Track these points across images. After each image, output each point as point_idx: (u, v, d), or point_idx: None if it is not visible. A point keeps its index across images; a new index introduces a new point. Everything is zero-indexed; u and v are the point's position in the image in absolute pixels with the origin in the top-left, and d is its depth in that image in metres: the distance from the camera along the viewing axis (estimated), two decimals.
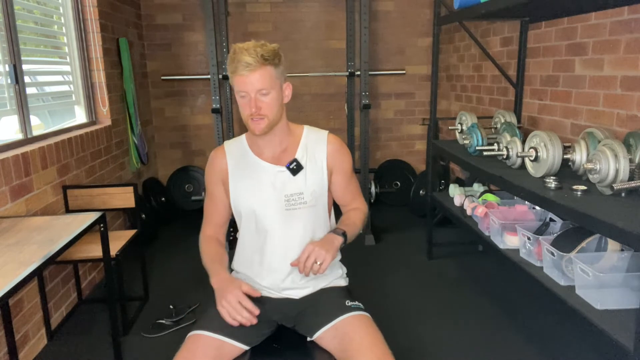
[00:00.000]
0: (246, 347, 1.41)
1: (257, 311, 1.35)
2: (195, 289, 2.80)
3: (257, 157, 1.51)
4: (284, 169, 1.47)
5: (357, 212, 1.58)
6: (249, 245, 1.52)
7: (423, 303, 2.66)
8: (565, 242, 1.77)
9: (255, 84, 1.35)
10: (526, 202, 2.38)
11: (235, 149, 1.55)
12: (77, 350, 2.27)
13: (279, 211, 1.46)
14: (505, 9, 2.22)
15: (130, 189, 2.57)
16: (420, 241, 3.40)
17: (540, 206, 1.90)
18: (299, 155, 1.49)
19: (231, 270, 1.63)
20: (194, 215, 4.20)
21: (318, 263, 1.36)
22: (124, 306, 2.44)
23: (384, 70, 4.46)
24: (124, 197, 2.58)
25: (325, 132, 1.56)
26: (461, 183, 3.39)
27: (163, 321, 2.47)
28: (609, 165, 1.65)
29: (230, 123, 4.00)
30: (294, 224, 1.48)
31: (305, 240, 1.48)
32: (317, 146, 1.52)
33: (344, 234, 1.45)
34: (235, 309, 1.34)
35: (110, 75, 3.28)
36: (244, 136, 1.58)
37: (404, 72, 4.47)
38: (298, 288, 1.50)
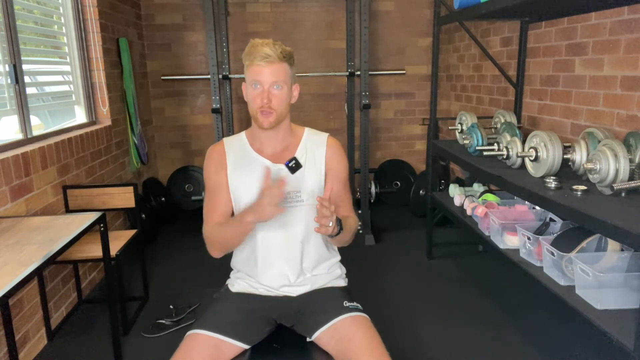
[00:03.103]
0: (245, 346, 1.41)
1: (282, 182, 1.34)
2: (195, 289, 2.80)
3: (256, 154, 1.51)
4: (283, 166, 1.47)
5: (352, 221, 1.53)
6: (246, 242, 1.51)
7: (423, 303, 2.65)
8: (565, 242, 1.77)
9: (270, 76, 1.38)
10: (526, 202, 2.38)
11: (235, 144, 1.55)
12: (77, 350, 2.27)
13: None
14: (505, 9, 2.22)
15: (130, 189, 2.57)
16: (420, 241, 3.40)
17: (540, 206, 1.90)
18: (298, 154, 1.50)
19: (230, 269, 1.63)
20: (194, 215, 4.20)
21: (330, 224, 1.33)
22: (124, 306, 2.43)
23: (384, 70, 4.46)
24: (124, 197, 2.57)
25: (325, 135, 1.57)
26: (461, 183, 3.40)
27: (163, 321, 2.47)
28: (609, 165, 1.65)
29: (230, 123, 4.00)
30: (291, 221, 1.48)
31: (302, 238, 1.49)
32: (317, 147, 1.53)
33: (340, 230, 1.42)
34: (272, 196, 1.31)
35: (110, 75, 3.28)
36: (243, 133, 1.58)
37: (404, 72, 4.47)
38: (295, 285, 1.51)
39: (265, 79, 1.38)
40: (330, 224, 1.33)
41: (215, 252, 1.51)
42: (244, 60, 1.42)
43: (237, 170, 1.50)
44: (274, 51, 1.37)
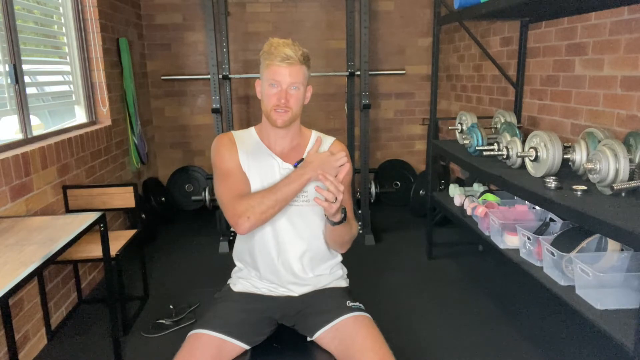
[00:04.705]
0: (247, 347, 1.41)
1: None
2: (195, 288, 2.80)
3: (268, 149, 1.52)
4: (291, 166, 1.48)
5: (354, 223, 1.54)
6: (252, 237, 1.50)
7: (423, 303, 2.65)
8: (565, 242, 1.77)
9: (289, 77, 1.40)
10: (526, 202, 2.38)
11: (245, 137, 1.55)
12: (77, 350, 2.27)
13: None
14: (505, 9, 2.22)
15: (130, 189, 2.57)
16: (420, 241, 3.40)
17: (540, 206, 1.90)
18: (306, 155, 1.50)
19: (231, 269, 1.63)
20: (194, 215, 4.22)
21: (335, 199, 1.31)
22: (124, 306, 2.44)
23: (384, 70, 4.46)
24: (124, 197, 2.57)
25: (332, 138, 1.60)
26: (461, 183, 3.39)
27: (163, 321, 2.47)
28: (609, 165, 1.65)
29: (230, 123, 3.99)
30: (296, 220, 1.48)
31: (306, 237, 1.50)
32: (324, 149, 1.54)
33: (343, 219, 1.42)
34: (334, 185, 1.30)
35: (110, 75, 3.27)
36: (252, 128, 1.58)
37: (404, 72, 4.47)
38: (298, 284, 1.51)
39: (284, 79, 1.40)
40: (335, 201, 1.31)
41: (250, 223, 1.36)
42: (263, 59, 1.43)
43: (249, 158, 1.49)
44: (295, 53, 1.39)
